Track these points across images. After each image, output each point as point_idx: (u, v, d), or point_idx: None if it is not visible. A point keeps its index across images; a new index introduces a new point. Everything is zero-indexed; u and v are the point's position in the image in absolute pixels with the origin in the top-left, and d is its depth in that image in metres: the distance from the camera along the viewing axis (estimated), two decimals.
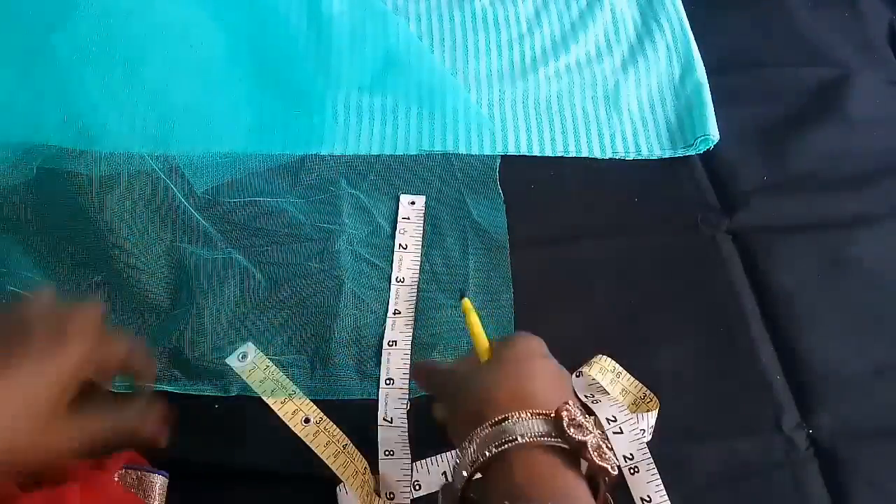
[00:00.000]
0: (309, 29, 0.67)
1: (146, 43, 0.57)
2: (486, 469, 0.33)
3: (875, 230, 0.57)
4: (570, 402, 0.34)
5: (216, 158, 0.58)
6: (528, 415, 0.33)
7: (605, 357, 0.50)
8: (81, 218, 0.54)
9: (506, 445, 0.33)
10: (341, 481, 0.45)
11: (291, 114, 0.62)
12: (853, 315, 0.54)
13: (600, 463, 0.32)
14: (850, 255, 0.56)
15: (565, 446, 0.33)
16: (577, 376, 0.49)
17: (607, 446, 0.34)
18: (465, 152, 0.61)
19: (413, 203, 0.59)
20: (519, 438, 0.33)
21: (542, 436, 0.33)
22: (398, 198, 0.59)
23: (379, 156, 0.61)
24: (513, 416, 0.33)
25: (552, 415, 0.34)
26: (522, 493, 0.31)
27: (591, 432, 0.33)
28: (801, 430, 0.49)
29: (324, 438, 0.46)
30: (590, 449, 0.32)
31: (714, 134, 0.62)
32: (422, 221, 0.57)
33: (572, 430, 0.33)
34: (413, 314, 0.53)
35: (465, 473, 0.34)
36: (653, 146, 0.63)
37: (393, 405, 0.48)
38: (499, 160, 0.61)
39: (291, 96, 0.62)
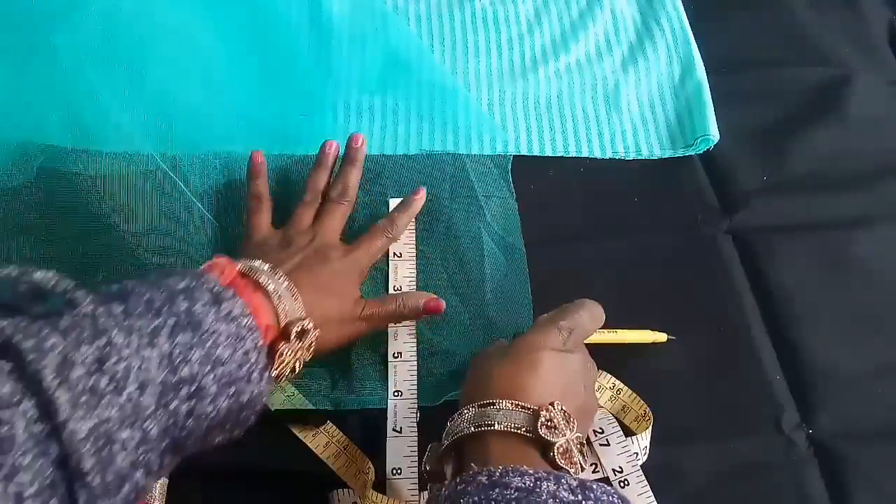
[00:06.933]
0: (311, 30, 0.67)
1: (148, 43, 0.57)
2: (469, 440, 0.39)
3: (875, 230, 0.57)
4: (555, 404, 0.39)
5: (218, 158, 0.58)
6: (512, 406, 0.39)
7: (603, 373, 0.49)
8: (83, 217, 0.54)
9: (483, 428, 0.38)
10: (340, 482, 0.45)
11: (293, 115, 0.62)
12: (853, 315, 0.53)
13: (561, 464, 0.37)
14: (851, 255, 0.56)
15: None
16: None
17: (580, 451, 0.39)
18: (465, 153, 0.61)
19: None
20: (496, 425, 0.38)
21: (517, 428, 0.38)
22: (388, 203, 0.57)
23: (391, 156, 0.60)
24: (497, 404, 0.39)
25: (531, 410, 0.38)
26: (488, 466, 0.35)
27: (563, 435, 0.38)
28: (801, 430, 0.49)
29: (323, 439, 0.46)
30: (555, 451, 0.37)
31: (714, 134, 0.61)
32: (415, 227, 0.56)
33: (544, 429, 0.38)
34: (414, 323, 0.51)
35: (446, 441, 0.40)
36: (653, 146, 0.63)
37: (402, 415, 0.48)
38: (511, 160, 0.60)
39: (293, 97, 0.63)
